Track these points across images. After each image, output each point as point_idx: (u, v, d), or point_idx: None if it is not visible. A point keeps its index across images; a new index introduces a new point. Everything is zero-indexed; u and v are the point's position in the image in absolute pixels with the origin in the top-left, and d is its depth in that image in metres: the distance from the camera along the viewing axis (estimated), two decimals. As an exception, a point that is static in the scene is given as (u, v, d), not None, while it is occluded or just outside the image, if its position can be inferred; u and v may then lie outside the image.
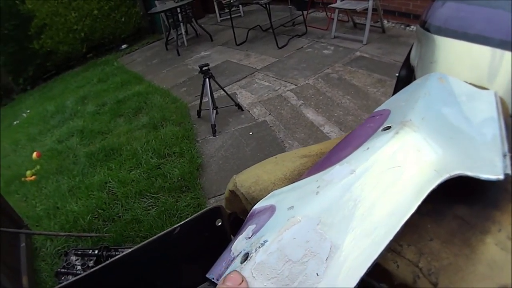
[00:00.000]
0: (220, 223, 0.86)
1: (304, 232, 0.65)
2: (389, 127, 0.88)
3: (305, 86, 5.14)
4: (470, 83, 1.32)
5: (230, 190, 1.11)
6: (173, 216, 3.34)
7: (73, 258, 2.91)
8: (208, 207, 0.83)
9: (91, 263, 2.85)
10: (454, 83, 1.24)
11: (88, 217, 3.58)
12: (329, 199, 0.70)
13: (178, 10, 8.15)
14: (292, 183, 0.93)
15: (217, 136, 4.46)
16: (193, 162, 3.98)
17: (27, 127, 6.74)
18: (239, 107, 4.83)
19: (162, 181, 3.80)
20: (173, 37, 8.49)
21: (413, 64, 2.11)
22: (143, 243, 0.75)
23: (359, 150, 0.84)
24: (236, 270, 0.62)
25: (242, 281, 0.59)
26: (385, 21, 6.85)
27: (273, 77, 5.67)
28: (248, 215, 0.86)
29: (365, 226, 0.65)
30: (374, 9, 6.14)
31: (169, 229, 0.76)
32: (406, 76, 2.17)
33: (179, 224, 0.77)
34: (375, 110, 1.20)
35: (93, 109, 6.17)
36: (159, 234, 0.75)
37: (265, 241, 0.64)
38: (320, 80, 5.24)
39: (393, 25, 6.93)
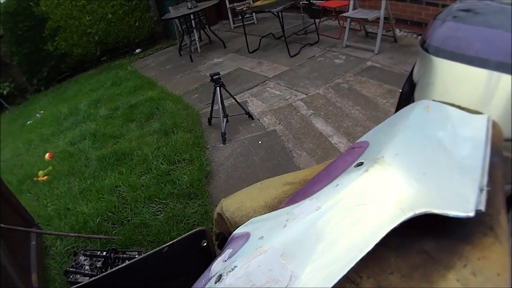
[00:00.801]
0: (205, 244, 0.92)
1: (268, 261, 0.71)
2: (361, 163, 0.92)
3: (315, 95, 5.18)
4: (464, 108, 1.31)
5: (217, 213, 1.18)
6: (180, 222, 3.40)
7: (82, 258, 2.99)
8: (194, 230, 0.88)
9: (99, 264, 2.92)
10: (442, 110, 1.24)
11: (98, 220, 3.65)
12: (294, 233, 0.75)
13: (192, 16, 8.23)
14: (271, 211, 0.99)
15: (227, 144, 4.51)
16: (202, 169, 4.04)
17: (40, 127, 6.85)
18: (250, 115, 4.88)
19: (171, 187, 3.86)
20: (187, 43, 8.56)
21: (415, 80, 2.10)
22: (133, 260, 0.80)
23: (329, 186, 0.88)
24: None
25: None
26: (397, 30, 6.86)
27: (284, 86, 5.72)
28: (229, 238, 0.92)
29: (324, 259, 0.69)
30: (386, 18, 6.16)
31: (158, 248, 0.83)
32: (409, 92, 2.13)
33: (167, 244, 0.83)
34: (356, 141, 1.23)
35: (105, 112, 6.25)
36: (148, 253, 0.81)
37: (235, 266, 0.71)
38: (330, 90, 5.28)
39: (405, 34, 6.92)
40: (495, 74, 1.56)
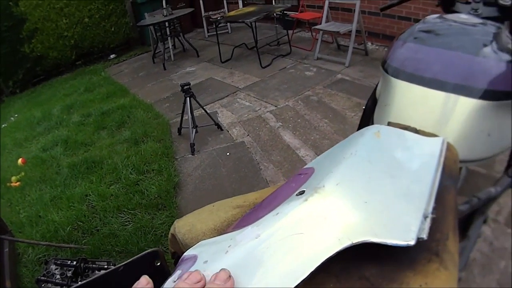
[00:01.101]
0: (158, 263, 1.01)
1: None
2: (303, 192, 0.95)
3: (284, 108, 5.30)
4: (419, 130, 1.34)
5: (171, 233, 1.22)
6: (148, 233, 3.45)
7: (53, 267, 3.01)
8: (147, 251, 0.97)
9: (69, 273, 2.95)
10: (393, 135, 1.26)
11: (68, 228, 3.68)
12: (234, 259, 0.77)
13: (167, 24, 8.28)
14: (220, 234, 1.04)
15: (196, 155, 4.59)
16: (170, 180, 4.10)
17: (14, 131, 6.79)
18: (219, 126, 4.97)
19: (140, 197, 3.92)
20: (161, 51, 8.60)
21: (378, 98, 2.11)
22: (90, 279, 0.88)
23: (271, 214, 0.90)
24: (197, 270, 0.74)
25: (201, 279, 0.70)
26: (369, 44, 7.02)
27: (254, 97, 5.82)
28: (180, 259, 0.95)
29: (262, 286, 0.71)
30: (358, 31, 6.31)
31: (113, 268, 0.90)
32: (371, 108, 2.12)
33: (122, 263, 0.91)
34: (304, 167, 1.27)
35: (78, 119, 6.27)
36: (104, 272, 0.89)
37: None
38: (300, 102, 5.40)
39: (377, 47, 7.09)
40: (453, 96, 1.59)
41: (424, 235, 0.77)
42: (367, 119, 2.29)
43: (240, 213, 1.21)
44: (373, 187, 0.97)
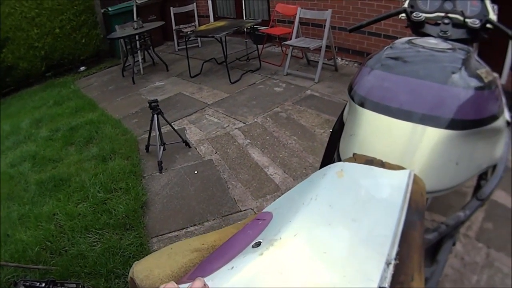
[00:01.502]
0: None
1: None
2: (259, 243, 0.95)
3: (253, 124, 5.34)
4: (385, 163, 1.38)
5: (130, 277, 1.21)
6: (116, 254, 3.43)
7: None
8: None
9: None
10: (357, 173, 1.26)
11: (36, 249, 3.64)
12: None
13: (137, 37, 8.27)
14: (177, 280, 1.05)
15: (163, 173, 4.59)
16: (138, 199, 4.09)
17: None
18: (187, 144, 4.98)
19: (107, 217, 3.90)
20: (130, 64, 8.56)
21: (345, 121, 2.10)
22: None
23: (225, 268, 0.89)
24: (199, 278, 0.74)
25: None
26: (339, 59, 7.10)
27: (222, 113, 5.85)
28: None
29: None
30: (328, 47, 6.39)
31: None
32: (339, 132, 2.10)
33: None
34: (262, 211, 1.27)
35: (46, 134, 6.21)
36: None
37: None
38: (268, 119, 5.45)
39: (347, 63, 7.19)
40: (420, 127, 1.57)
41: (386, 284, 0.78)
42: (334, 143, 2.33)
43: (198, 258, 1.20)
44: (333, 235, 0.97)
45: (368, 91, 1.83)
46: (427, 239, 1.68)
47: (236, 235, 1.21)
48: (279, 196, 1.44)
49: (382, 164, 1.38)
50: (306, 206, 1.08)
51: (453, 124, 1.58)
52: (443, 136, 1.57)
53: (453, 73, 1.71)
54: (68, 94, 8.21)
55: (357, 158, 1.49)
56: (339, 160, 1.86)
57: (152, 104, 4.56)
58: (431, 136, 1.57)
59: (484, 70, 1.83)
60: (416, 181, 1.22)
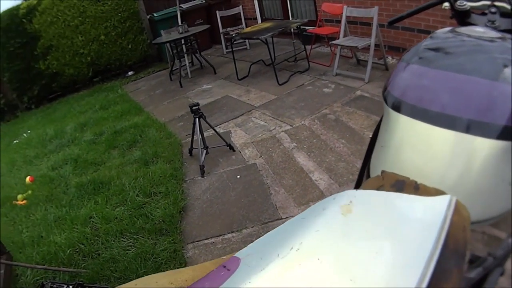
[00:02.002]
0: None
1: None
2: None
3: (300, 127, 5.10)
4: (421, 184, 1.02)
5: None
6: (148, 260, 3.31)
7: None
8: None
9: None
10: (374, 205, 0.94)
11: (69, 251, 3.58)
12: None
13: (183, 41, 8.22)
14: None
15: (205, 177, 4.42)
16: (176, 204, 3.95)
17: (25, 148, 6.82)
18: (231, 147, 4.80)
19: (144, 221, 3.78)
20: (177, 68, 8.53)
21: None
22: None
23: None
24: None
25: None
26: (389, 58, 6.79)
27: (269, 115, 5.64)
28: None
29: None
30: (377, 45, 6.12)
31: None
32: (374, 140, 1.89)
33: None
34: (233, 255, 1.01)
35: (90, 137, 6.21)
36: None
37: None
38: (316, 121, 5.19)
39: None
40: (466, 137, 1.27)
41: None
42: (369, 155, 1.99)
43: None
44: None
45: (403, 92, 1.52)
46: (467, 279, 1.29)
47: (201, 281, 0.99)
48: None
49: (416, 187, 1.04)
50: (281, 260, 0.78)
51: (508, 133, 1.26)
52: (495, 149, 1.27)
53: (506, 66, 1.36)
54: (115, 98, 8.26)
55: (385, 178, 1.14)
56: (369, 177, 1.56)
57: (194, 107, 4.38)
58: (481, 149, 1.27)
59: None
60: (458, 211, 0.90)
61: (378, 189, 1.06)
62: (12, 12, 9.02)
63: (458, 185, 1.26)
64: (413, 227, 0.85)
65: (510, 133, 1.24)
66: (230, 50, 8.26)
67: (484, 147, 1.26)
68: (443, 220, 0.85)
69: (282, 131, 5.10)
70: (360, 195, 0.94)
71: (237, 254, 0.99)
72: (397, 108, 1.48)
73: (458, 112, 1.31)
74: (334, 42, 6.53)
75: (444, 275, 0.76)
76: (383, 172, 1.18)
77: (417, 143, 1.40)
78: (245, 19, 9.69)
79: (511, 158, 1.28)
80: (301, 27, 7.42)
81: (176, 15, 8.95)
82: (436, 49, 1.61)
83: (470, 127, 1.27)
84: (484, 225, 1.44)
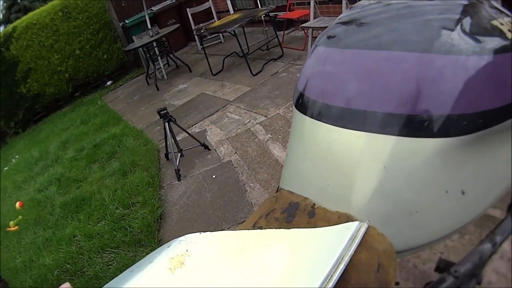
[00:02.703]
0: None
1: None
2: None
3: (275, 117, 5.05)
4: (318, 207, 0.86)
5: None
6: None
7: None
8: None
9: None
10: (218, 252, 0.76)
11: (56, 272, 3.62)
12: None
13: (155, 44, 8.19)
14: None
15: (182, 181, 4.40)
16: (153, 213, 3.93)
17: (14, 174, 6.88)
18: (206, 147, 4.77)
19: (123, 234, 3.77)
20: (153, 71, 8.54)
21: None
22: None
23: None
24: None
25: None
26: (362, 38, 6.76)
27: (244, 108, 5.61)
28: None
29: None
30: (350, 24, 6.07)
31: None
32: None
33: None
34: None
35: (72, 154, 6.23)
36: None
37: None
38: (290, 108, 5.00)
39: (371, 40, 6.81)
40: (384, 139, 0.99)
41: None
42: None
43: None
44: None
45: (305, 84, 1.26)
46: None
47: None
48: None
49: (311, 212, 0.87)
50: None
51: (451, 126, 0.95)
52: (434, 151, 0.96)
53: (445, 29, 1.03)
54: (95, 111, 8.27)
55: (279, 198, 0.98)
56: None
57: (161, 112, 4.34)
58: (410, 154, 0.98)
59: (507, 20, 1.10)
60: (370, 243, 0.71)
61: (267, 214, 0.92)
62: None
63: (376, 206, 0.95)
64: (279, 272, 0.67)
65: (454, 126, 0.96)
66: (206, 45, 8.25)
67: (414, 151, 0.97)
68: (336, 260, 0.62)
69: (257, 123, 5.05)
70: (202, 239, 0.78)
71: None
72: (299, 105, 1.26)
73: (370, 106, 1.02)
74: (304, 25, 6.46)
75: None
76: (280, 190, 1.06)
77: (318, 153, 1.11)
78: (216, 12, 9.55)
79: (460, 159, 0.99)
80: (273, 13, 7.36)
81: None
82: (348, 23, 1.30)
83: (388, 124, 0.99)
84: (420, 251, 1.10)
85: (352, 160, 1.01)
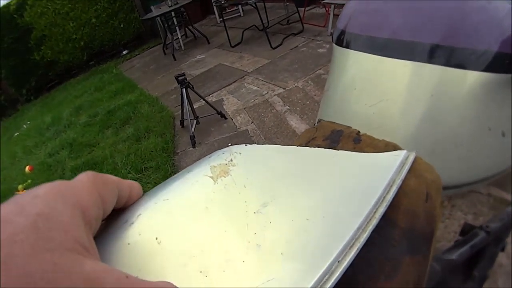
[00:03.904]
0: None
1: None
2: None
3: (293, 89, 4.94)
4: (364, 135, 0.75)
5: None
6: None
7: None
8: None
9: None
10: (267, 161, 0.62)
11: None
12: None
13: (173, 14, 8.11)
14: None
15: (197, 148, 4.31)
16: (167, 178, 3.78)
17: (25, 139, 6.83)
18: (222, 115, 4.67)
19: (133, 200, 3.67)
20: (171, 42, 8.44)
21: None
22: None
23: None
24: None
25: None
26: (387, 14, 6.61)
27: (262, 80, 5.50)
28: None
29: None
30: (372, 3, 5.93)
31: None
32: None
33: None
34: None
35: (85, 120, 6.17)
36: None
37: None
38: (310, 82, 5.01)
39: (393, 19, 6.67)
40: (432, 69, 0.95)
41: None
42: None
43: None
44: None
45: (347, 21, 1.22)
46: (453, 259, 1.00)
47: None
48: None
49: (356, 139, 0.76)
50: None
51: (500, 62, 0.91)
52: (479, 84, 0.93)
53: None
54: (110, 78, 8.20)
55: (319, 128, 0.84)
56: None
57: (179, 78, 4.21)
58: (456, 85, 0.94)
59: None
60: (418, 172, 0.63)
61: (307, 142, 0.81)
62: (2, 10, 9.05)
63: (422, 136, 0.96)
64: (328, 193, 0.57)
65: (500, 63, 0.91)
66: (225, 18, 8.13)
67: (460, 82, 0.95)
68: (388, 182, 0.56)
69: (275, 94, 4.94)
70: (248, 150, 0.64)
71: None
72: (340, 41, 1.22)
73: (417, 36, 1.00)
74: (326, 1, 6.32)
75: (384, 268, 0.54)
76: (319, 121, 0.96)
77: (363, 82, 1.10)
78: (236, -15, 9.45)
79: (500, 97, 0.97)
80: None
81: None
82: None
83: (435, 55, 0.96)
84: (465, 190, 1.04)
85: (398, 87, 1.01)
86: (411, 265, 0.54)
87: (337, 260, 0.47)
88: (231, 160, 0.65)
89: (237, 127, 4.45)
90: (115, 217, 0.57)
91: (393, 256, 0.54)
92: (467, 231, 1.11)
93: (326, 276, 0.46)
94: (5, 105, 9.65)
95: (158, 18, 8.24)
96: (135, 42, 10.37)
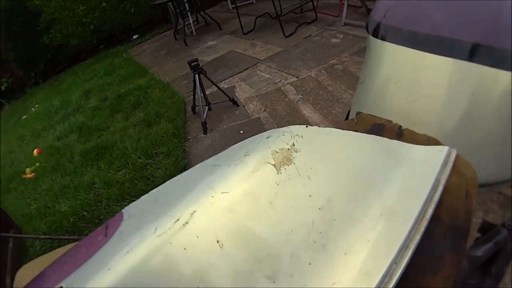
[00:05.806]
0: None
1: None
2: None
3: (306, 78, 4.88)
4: (406, 129, 0.79)
5: (15, 287, 1.00)
6: None
7: None
8: None
9: None
10: (329, 149, 0.66)
11: (72, 219, 3.54)
12: None
13: (185, -1, 7.99)
14: None
15: (208, 134, 4.27)
16: (178, 163, 3.82)
17: (33, 122, 6.84)
18: (234, 102, 4.62)
19: (144, 183, 3.67)
20: (182, 27, 8.35)
21: None
22: None
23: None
24: None
25: None
26: (401, 6, 6.54)
27: (275, 68, 5.44)
28: None
29: None
30: (388, -7, 5.86)
31: None
32: None
33: None
34: (122, 210, 0.79)
35: (94, 104, 6.14)
36: None
37: None
38: (323, 72, 4.95)
39: (409, 10, 6.60)
40: (472, 67, 0.95)
41: None
42: None
43: None
44: None
45: (384, 13, 1.20)
46: (477, 255, 1.05)
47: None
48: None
49: (398, 133, 0.79)
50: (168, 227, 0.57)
51: None
52: None
53: None
54: (120, 63, 8.15)
55: (359, 121, 0.88)
56: None
57: (192, 63, 4.17)
58: (495, 84, 0.93)
59: None
60: (458, 169, 0.64)
61: None
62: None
63: (461, 133, 0.96)
64: (383, 187, 0.60)
65: None
66: (237, 4, 8.07)
67: (500, 83, 0.93)
68: (435, 181, 0.58)
69: (288, 83, 4.89)
70: (310, 133, 0.65)
71: (125, 209, 0.76)
72: (377, 34, 1.21)
73: (458, 34, 0.99)
74: (341, -10, 6.27)
75: (429, 264, 0.54)
76: (358, 114, 0.97)
77: (403, 77, 1.11)
78: (249, -28, 9.40)
79: None
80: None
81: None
82: None
83: (476, 54, 0.95)
84: (502, 188, 1.14)
85: (440, 84, 0.99)
86: (452, 260, 0.56)
87: (395, 262, 0.49)
88: (293, 145, 0.61)
89: (249, 115, 4.41)
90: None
91: (437, 252, 0.57)
92: (486, 228, 1.15)
93: (386, 279, 0.45)
94: (13, 88, 9.63)
95: (170, 3, 8.21)
96: (145, 27, 10.31)
